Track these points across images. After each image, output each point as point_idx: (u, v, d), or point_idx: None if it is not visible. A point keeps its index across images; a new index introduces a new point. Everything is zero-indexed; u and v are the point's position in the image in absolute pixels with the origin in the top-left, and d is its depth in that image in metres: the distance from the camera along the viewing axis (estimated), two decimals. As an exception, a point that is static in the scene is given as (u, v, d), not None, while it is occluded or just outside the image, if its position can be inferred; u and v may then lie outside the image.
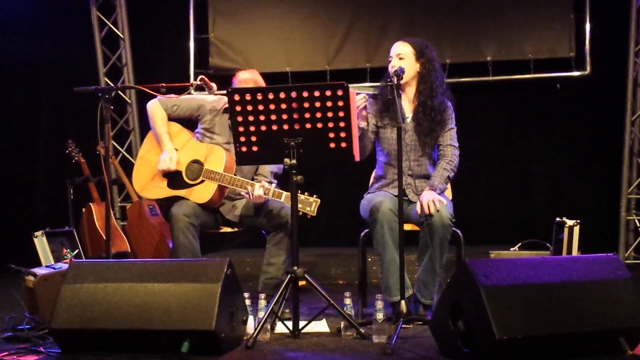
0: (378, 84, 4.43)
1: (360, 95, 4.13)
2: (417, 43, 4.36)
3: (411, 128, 4.35)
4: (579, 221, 5.01)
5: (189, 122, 4.69)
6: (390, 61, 4.33)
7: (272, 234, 4.42)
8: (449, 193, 4.50)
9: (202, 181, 4.42)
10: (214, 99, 4.68)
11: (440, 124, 4.33)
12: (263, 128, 3.76)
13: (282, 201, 4.26)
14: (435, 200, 4.08)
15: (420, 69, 4.33)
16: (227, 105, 4.64)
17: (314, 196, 4.09)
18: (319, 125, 3.71)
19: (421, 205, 4.11)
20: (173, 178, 4.50)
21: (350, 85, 3.70)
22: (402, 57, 4.28)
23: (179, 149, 4.53)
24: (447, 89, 4.41)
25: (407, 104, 4.40)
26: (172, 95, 4.61)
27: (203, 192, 4.41)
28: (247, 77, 4.62)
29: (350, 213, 5.41)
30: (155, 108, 4.63)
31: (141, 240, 6.42)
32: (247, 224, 4.56)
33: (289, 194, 3.91)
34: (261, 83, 4.64)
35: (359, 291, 4.48)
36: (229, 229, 4.61)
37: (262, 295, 3.96)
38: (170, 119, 4.65)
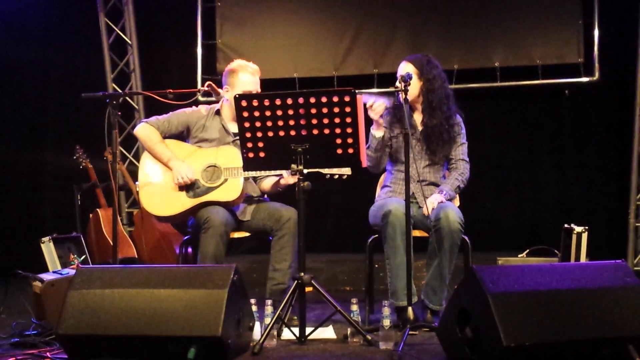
0: (386, 89, 4.45)
1: (379, 102, 4.16)
2: (419, 61, 4.43)
3: (421, 138, 4.39)
4: (587, 228, 5.00)
5: (180, 138, 4.68)
6: (397, 80, 4.37)
7: (276, 240, 4.41)
8: (456, 201, 4.51)
9: (225, 180, 4.41)
10: (199, 107, 4.70)
11: (449, 142, 4.42)
12: (270, 134, 3.75)
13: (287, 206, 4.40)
14: (437, 201, 4.21)
15: (422, 87, 4.40)
16: (217, 107, 4.66)
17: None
18: (326, 131, 3.71)
19: (429, 208, 4.19)
20: (189, 188, 4.45)
21: (362, 92, 3.70)
22: (402, 74, 4.28)
23: (187, 160, 4.50)
24: (454, 103, 4.45)
25: (419, 117, 4.47)
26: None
27: (231, 189, 4.38)
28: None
29: (357, 219, 5.41)
30: (146, 129, 4.56)
31: (148, 246, 6.42)
32: (253, 227, 4.56)
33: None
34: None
35: (365, 297, 4.47)
36: (236, 234, 4.60)
37: (269, 302, 3.94)
38: (164, 137, 4.58)
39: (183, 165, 4.45)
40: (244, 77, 4.55)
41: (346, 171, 4.09)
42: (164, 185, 4.49)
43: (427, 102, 4.38)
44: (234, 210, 4.50)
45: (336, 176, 4.07)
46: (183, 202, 4.44)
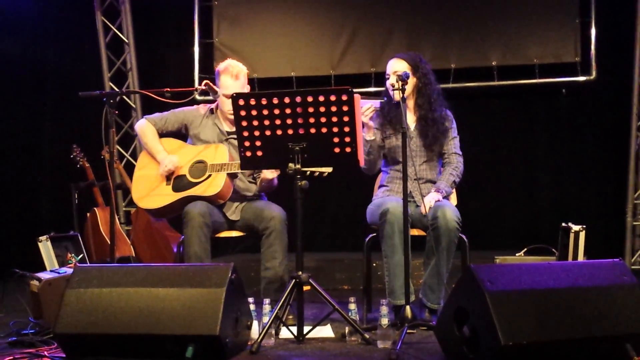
0: (382, 89, 4.45)
1: (367, 104, 4.16)
2: (411, 58, 4.44)
3: (415, 135, 4.40)
4: (584, 226, 5.00)
5: (181, 137, 4.71)
6: (387, 78, 4.39)
7: (264, 239, 4.43)
8: (453, 199, 4.51)
9: (210, 176, 4.43)
10: (197, 106, 4.74)
11: (443, 134, 4.41)
12: (267, 133, 3.75)
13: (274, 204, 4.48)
14: (434, 200, 4.20)
15: (417, 83, 4.40)
16: (211, 106, 4.67)
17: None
18: (324, 130, 3.70)
19: (426, 207, 4.19)
20: (177, 183, 4.49)
21: (355, 91, 3.69)
22: (399, 73, 4.27)
23: (180, 158, 4.53)
24: (444, 98, 4.48)
25: (410, 115, 4.47)
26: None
27: (213, 184, 4.40)
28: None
29: (355, 218, 5.41)
30: (144, 125, 4.65)
31: (145, 244, 6.41)
32: (243, 227, 4.58)
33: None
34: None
35: (363, 296, 4.47)
36: (233, 234, 4.60)
37: (267, 300, 3.94)
38: (162, 134, 4.66)
39: (168, 156, 4.52)
40: (225, 80, 4.56)
41: (327, 169, 4.08)
42: (153, 180, 4.55)
43: (425, 96, 4.40)
44: (223, 209, 4.53)
45: (316, 174, 4.05)
46: (167, 196, 4.48)
